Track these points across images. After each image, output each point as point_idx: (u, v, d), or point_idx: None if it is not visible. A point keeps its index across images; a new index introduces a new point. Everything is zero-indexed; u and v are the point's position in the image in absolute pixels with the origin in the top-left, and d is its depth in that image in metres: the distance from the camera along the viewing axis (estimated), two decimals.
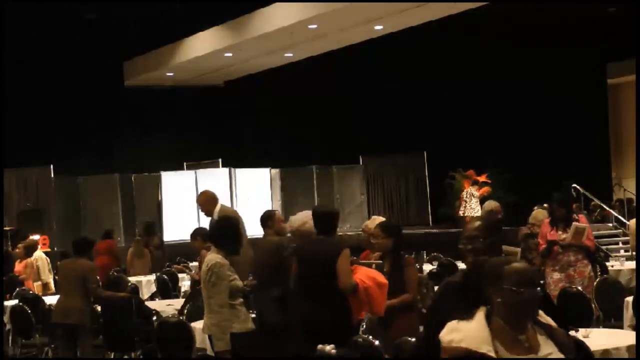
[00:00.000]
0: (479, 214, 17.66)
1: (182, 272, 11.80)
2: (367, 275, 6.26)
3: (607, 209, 18.25)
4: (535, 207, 16.89)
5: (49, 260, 12.48)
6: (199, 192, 17.56)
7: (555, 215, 8.47)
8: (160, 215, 19.27)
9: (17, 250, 12.91)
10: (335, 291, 5.95)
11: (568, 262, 8.29)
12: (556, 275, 8.29)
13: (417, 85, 21.68)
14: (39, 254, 12.43)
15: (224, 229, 6.28)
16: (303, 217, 6.78)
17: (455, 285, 3.67)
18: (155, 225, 16.65)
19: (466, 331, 3.08)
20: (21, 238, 14.01)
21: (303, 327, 6.01)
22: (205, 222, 9.63)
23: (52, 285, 12.02)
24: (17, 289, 11.27)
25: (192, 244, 9.45)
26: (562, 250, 8.29)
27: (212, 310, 5.94)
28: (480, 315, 3.11)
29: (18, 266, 12.29)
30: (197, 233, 9.36)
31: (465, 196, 18.74)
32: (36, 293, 11.14)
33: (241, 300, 6.07)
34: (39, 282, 12.05)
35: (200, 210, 9.60)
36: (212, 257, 6.09)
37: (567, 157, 21.54)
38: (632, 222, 10.87)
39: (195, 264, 10.87)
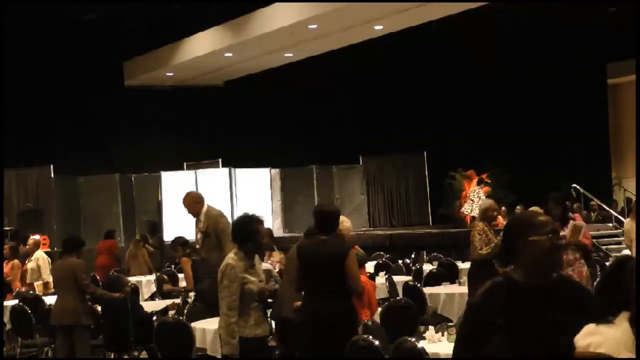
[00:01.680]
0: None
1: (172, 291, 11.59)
2: (363, 278, 6.32)
3: (608, 209, 18.27)
4: (519, 207, 17.01)
5: (49, 259, 12.47)
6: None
7: (551, 214, 8.43)
8: (160, 215, 19.27)
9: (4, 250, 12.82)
10: (343, 291, 5.94)
11: (567, 262, 8.25)
12: None
13: (417, 85, 21.68)
14: (40, 254, 12.40)
15: (245, 227, 5.95)
16: None
17: (501, 285, 3.18)
18: (154, 224, 16.66)
19: (607, 335, 2.76)
20: (21, 238, 13.99)
21: (312, 326, 5.98)
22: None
23: (52, 284, 12.00)
24: (17, 289, 11.29)
25: (173, 253, 9.42)
26: None
27: (222, 312, 5.76)
28: (623, 319, 2.77)
29: (5, 267, 12.23)
30: (177, 243, 9.36)
31: (471, 195, 18.73)
32: (36, 293, 11.15)
33: (255, 305, 5.82)
34: (40, 282, 12.04)
35: (187, 212, 9.45)
36: (228, 257, 5.86)
37: (567, 157, 21.55)
38: (627, 221, 10.86)
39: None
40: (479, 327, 3.09)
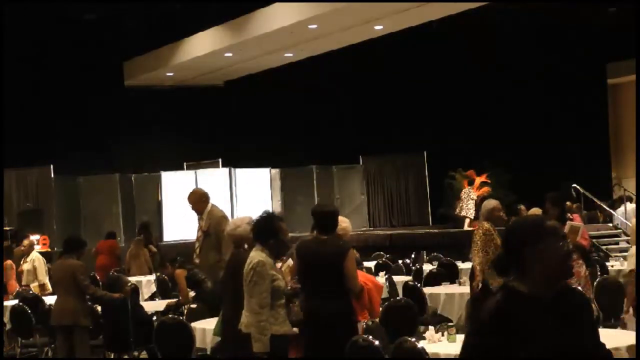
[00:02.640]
0: (472, 216, 17.71)
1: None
2: (366, 277, 6.30)
3: (608, 209, 18.26)
4: (520, 206, 16.97)
5: (45, 260, 12.47)
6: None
7: (548, 214, 8.41)
8: (160, 215, 19.27)
9: None
10: (342, 291, 5.93)
11: None
12: None
13: (417, 85, 21.68)
14: (36, 255, 12.40)
15: (267, 224, 5.92)
16: (237, 221, 6.58)
17: (506, 301, 2.86)
18: (149, 224, 16.61)
19: None
20: (21, 238, 14.00)
21: (311, 326, 5.97)
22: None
23: (49, 285, 11.97)
24: (18, 289, 11.28)
25: (165, 271, 9.39)
26: None
27: (253, 310, 5.71)
28: None
29: None
30: (167, 261, 9.34)
31: (463, 195, 18.75)
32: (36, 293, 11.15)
33: (282, 301, 5.82)
34: (36, 283, 12.03)
35: (191, 209, 9.40)
36: (256, 254, 5.80)
37: (567, 157, 21.54)
38: (633, 222, 10.85)
39: None
40: (492, 346, 2.79)
